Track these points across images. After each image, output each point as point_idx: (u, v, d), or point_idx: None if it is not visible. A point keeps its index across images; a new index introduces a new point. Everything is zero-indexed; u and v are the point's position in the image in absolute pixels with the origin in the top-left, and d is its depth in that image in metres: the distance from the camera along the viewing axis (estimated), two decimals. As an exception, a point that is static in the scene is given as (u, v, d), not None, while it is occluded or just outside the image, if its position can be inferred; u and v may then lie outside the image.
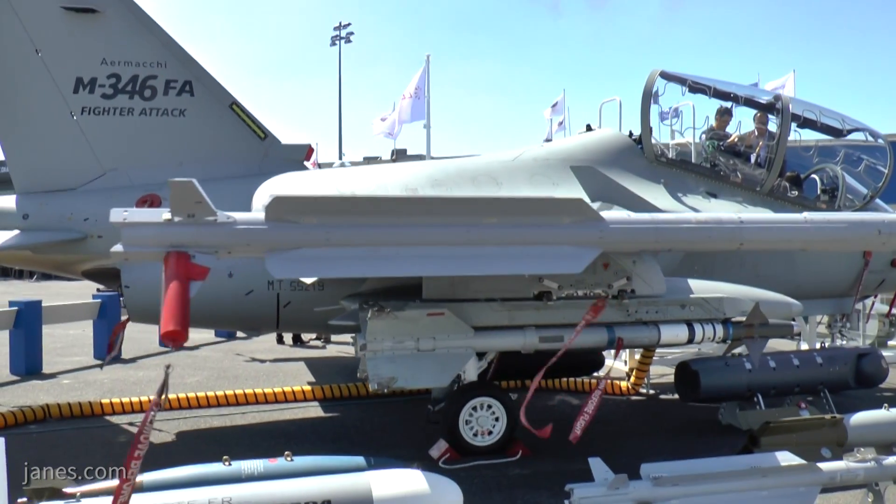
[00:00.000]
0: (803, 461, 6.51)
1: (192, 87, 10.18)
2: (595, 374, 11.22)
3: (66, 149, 9.86)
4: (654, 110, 10.87)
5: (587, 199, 9.49)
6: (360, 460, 6.86)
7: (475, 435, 8.58)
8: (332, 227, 6.18)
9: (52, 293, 28.05)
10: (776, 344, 14.20)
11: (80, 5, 9.80)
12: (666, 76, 10.94)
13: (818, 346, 12.83)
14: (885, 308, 15.20)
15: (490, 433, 8.61)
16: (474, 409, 8.56)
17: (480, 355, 8.92)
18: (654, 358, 12.05)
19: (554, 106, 32.86)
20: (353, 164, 24.52)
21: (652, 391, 12.22)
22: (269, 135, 10.46)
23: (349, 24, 58.80)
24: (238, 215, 6.32)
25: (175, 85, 10.16)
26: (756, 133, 12.27)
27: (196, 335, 15.91)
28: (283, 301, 9.18)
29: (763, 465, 6.36)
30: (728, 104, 11.56)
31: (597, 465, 6.07)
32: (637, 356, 11.88)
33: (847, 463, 6.65)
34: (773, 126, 11.89)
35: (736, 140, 12.06)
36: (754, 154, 11.76)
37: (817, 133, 11.86)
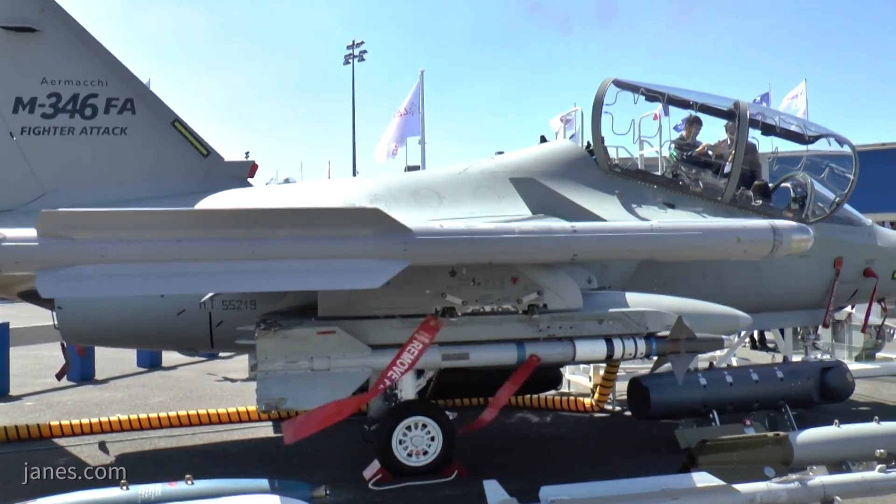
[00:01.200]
0: (720, 482, 6.16)
1: (133, 104, 10.07)
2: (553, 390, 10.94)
3: (4, 169, 9.76)
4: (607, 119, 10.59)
5: (528, 212, 9.30)
6: (262, 483, 6.68)
7: (409, 455, 8.30)
8: (107, 242, 5.85)
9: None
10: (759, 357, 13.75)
11: (18, 24, 9.73)
12: (619, 84, 10.65)
13: (798, 358, 12.36)
14: (878, 320, 14.74)
15: (425, 453, 8.34)
16: (409, 428, 8.30)
17: (419, 373, 8.70)
18: (621, 373, 11.71)
19: (566, 121, 32.60)
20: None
21: (618, 407, 11.85)
22: (211, 151, 10.32)
23: (362, 43, 59.16)
24: (9, 231, 6.07)
25: (116, 103, 10.05)
26: (729, 142, 11.99)
27: (176, 355, 15.85)
28: (216, 320, 8.98)
29: (676, 487, 6.03)
30: (688, 111, 11.24)
31: (492, 487, 5.79)
32: (601, 371, 11.53)
33: (769, 484, 6.29)
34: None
35: (705, 149, 11.74)
36: (721, 163, 11.42)
37: (782, 140, 11.50)
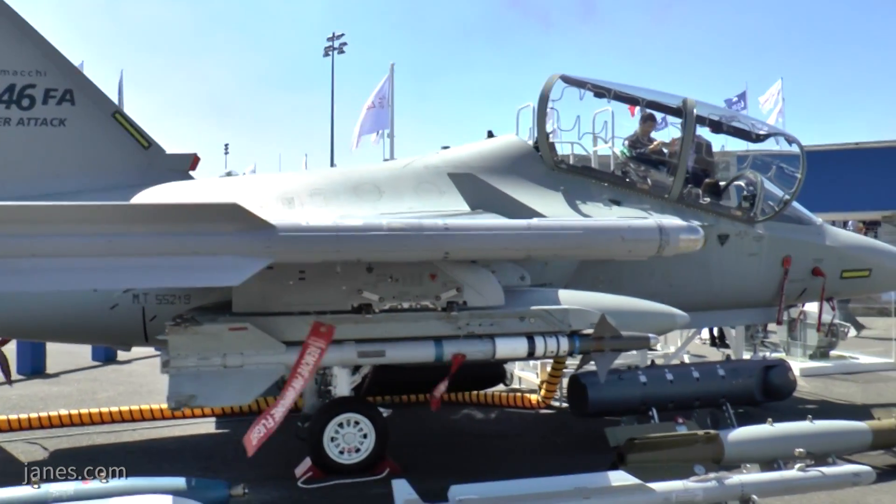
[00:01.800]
0: (635, 481, 6.13)
1: (72, 95, 9.89)
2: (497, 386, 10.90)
3: None
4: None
5: (466, 207, 9.23)
6: (179, 482, 6.60)
7: (342, 452, 8.21)
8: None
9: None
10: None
11: (-47, 14, 9.56)
12: (567, 80, 10.58)
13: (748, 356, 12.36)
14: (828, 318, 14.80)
15: (357, 451, 8.25)
16: (341, 425, 8.22)
17: (355, 369, 8.62)
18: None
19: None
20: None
21: (565, 404, 11.81)
22: (152, 144, 10.17)
23: (342, 35, 58.77)
24: None
25: (55, 94, 9.86)
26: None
27: (138, 349, 15.68)
28: (150, 315, 8.86)
29: (589, 486, 5.98)
30: (638, 107, 11.20)
31: (400, 486, 5.73)
32: (549, 368, 11.50)
33: (685, 483, 6.26)
34: (702, 132, 11.58)
35: (658, 147, 11.71)
36: (672, 161, 11.39)
37: (731, 138, 11.51)
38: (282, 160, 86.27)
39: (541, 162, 10.34)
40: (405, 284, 7.52)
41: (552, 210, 9.46)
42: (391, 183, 9.61)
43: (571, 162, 10.83)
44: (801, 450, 6.86)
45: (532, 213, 9.13)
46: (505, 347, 7.69)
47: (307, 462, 8.28)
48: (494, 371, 10.80)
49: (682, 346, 13.07)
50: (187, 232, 6.27)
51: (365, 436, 8.27)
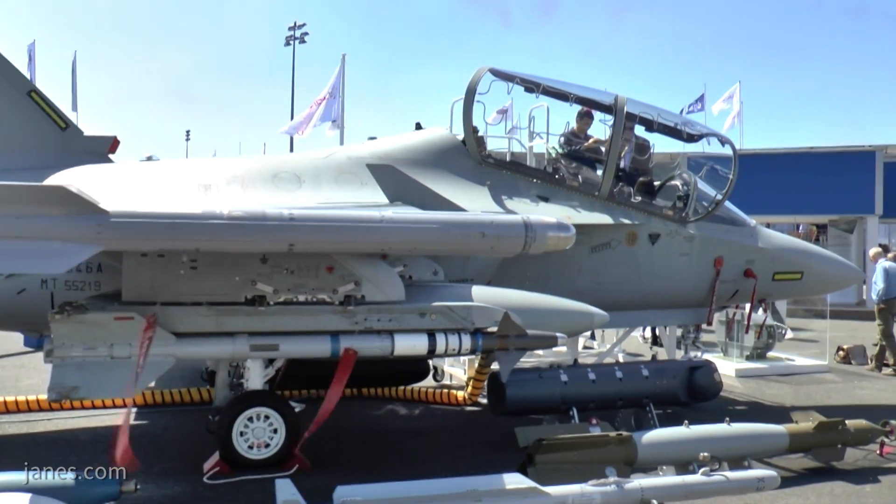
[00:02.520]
0: (530, 484, 6.00)
1: (-17, 71, 9.57)
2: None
3: None
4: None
5: (385, 199, 9.05)
6: (69, 478, 6.34)
7: (251, 447, 8.01)
8: None
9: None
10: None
11: None
12: (496, 73, 10.43)
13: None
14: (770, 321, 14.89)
15: (267, 446, 8.05)
16: (250, 419, 8.01)
17: (269, 362, 8.42)
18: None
19: (502, 112, 32.57)
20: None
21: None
22: (70, 125, 9.87)
23: (304, 25, 58.04)
24: None
25: (-37, 69, 9.54)
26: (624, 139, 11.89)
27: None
28: (58, 300, 8.55)
29: (482, 488, 5.83)
30: (568, 103, 11.06)
31: (282, 486, 5.55)
32: (476, 364, 11.37)
33: (583, 487, 6.14)
34: (639, 131, 11.51)
35: (595, 144, 11.61)
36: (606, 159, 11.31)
37: (664, 137, 11.45)
38: (241, 148, 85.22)
39: (467, 156, 10.18)
40: (301, 277, 7.33)
41: (475, 205, 9.33)
42: (311, 173, 9.39)
43: (500, 157, 10.68)
44: (706, 454, 6.80)
45: (453, 208, 8.99)
46: (404, 344, 7.51)
47: (216, 457, 8.07)
48: (419, 366, 10.63)
49: (615, 344, 13.02)
50: (11, 214, 5.96)
51: (275, 431, 8.07)
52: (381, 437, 9.78)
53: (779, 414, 11.24)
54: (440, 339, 7.52)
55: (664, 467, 8.07)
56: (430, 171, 9.70)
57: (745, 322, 11.91)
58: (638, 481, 6.25)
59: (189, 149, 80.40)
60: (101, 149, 9.98)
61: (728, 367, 14.37)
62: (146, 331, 6.80)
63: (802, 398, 12.68)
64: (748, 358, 14.76)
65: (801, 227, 28.87)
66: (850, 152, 28.54)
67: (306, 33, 57.14)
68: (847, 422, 8.97)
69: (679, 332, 12.08)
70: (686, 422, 8.25)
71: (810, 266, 11.89)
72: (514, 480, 5.97)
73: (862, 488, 8.19)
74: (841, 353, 16.17)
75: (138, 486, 6.38)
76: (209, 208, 6.66)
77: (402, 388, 11.46)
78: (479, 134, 10.53)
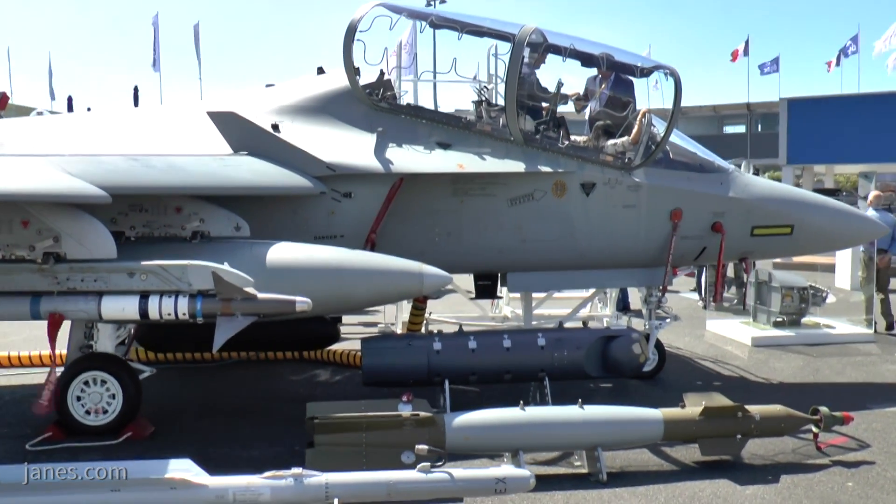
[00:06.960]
0: (185, 473, 5.35)
1: None
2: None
3: None
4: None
5: (229, 149, 8.58)
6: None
7: (88, 413, 7.97)
8: None
9: None
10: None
11: None
12: (385, 6, 9.41)
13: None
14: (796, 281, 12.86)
15: (105, 412, 7.98)
16: (86, 383, 7.97)
17: (119, 324, 8.31)
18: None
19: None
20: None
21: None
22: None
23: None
24: None
25: None
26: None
27: None
28: None
29: (135, 476, 5.30)
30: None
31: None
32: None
33: (250, 479, 5.42)
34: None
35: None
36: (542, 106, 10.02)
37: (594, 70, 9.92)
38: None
39: (358, 101, 9.38)
40: None
41: (355, 157, 8.67)
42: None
43: (395, 102, 9.70)
44: (423, 447, 5.81)
45: (301, 156, 8.37)
46: (112, 306, 6.94)
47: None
48: (327, 330, 10.10)
49: (575, 310, 11.70)
50: None
51: (113, 396, 7.97)
52: (252, 406, 9.31)
53: (767, 392, 9.68)
54: (153, 303, 6.90)
55: (506, 456, 7.12)
56: (308, 118, 9.08)
57: (716, 286, 10.09)
58: (325, 476, 5.42)
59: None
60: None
61: (746, 333, 12.49)
62: None
63: (806, 374, 10.75)
64: (777, 325, 12.70)
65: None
66: None
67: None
68: (752, 408, 7.43)
69: (641, 295, 10.52)
70: (521, 402, 7.21)
71: (802, 218, 9.90)
72: (177, 467, 5.39)
73: (742, 490, 6.74)
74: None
75: None
76: None
77: (310, 352, 11.07)
78: (382, 77, 9.69)
